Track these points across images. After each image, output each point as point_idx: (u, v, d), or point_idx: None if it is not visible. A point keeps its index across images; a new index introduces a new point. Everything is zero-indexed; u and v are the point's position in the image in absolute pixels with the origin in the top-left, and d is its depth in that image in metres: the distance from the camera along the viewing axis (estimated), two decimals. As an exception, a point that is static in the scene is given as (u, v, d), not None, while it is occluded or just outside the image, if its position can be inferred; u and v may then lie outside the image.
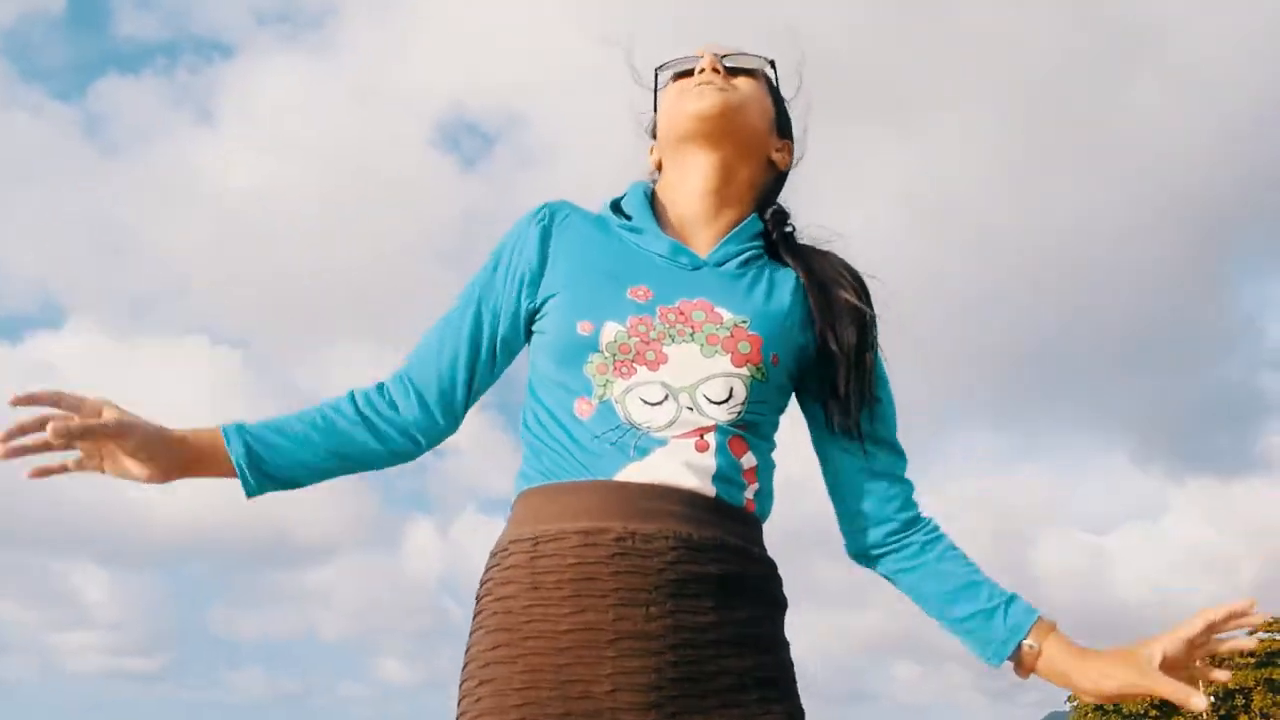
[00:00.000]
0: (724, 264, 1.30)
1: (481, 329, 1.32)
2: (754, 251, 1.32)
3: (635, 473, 1.18)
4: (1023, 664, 1.26)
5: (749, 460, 1.24)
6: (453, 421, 1.34)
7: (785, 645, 1.24)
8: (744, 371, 1.22)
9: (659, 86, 1.42)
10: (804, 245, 1.37)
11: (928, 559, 1.30)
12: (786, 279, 1.33)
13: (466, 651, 1.21)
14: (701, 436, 1.20)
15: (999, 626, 1.25)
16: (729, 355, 1.22)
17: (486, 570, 1.24)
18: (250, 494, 1.26)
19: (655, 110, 1.43)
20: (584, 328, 1.22)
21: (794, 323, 1.29)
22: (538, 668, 1.12)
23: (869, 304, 1.32)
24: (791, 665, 1.23)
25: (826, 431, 1.33)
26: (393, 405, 1.32)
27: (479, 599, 1.24)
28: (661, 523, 1.16)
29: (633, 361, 1.21)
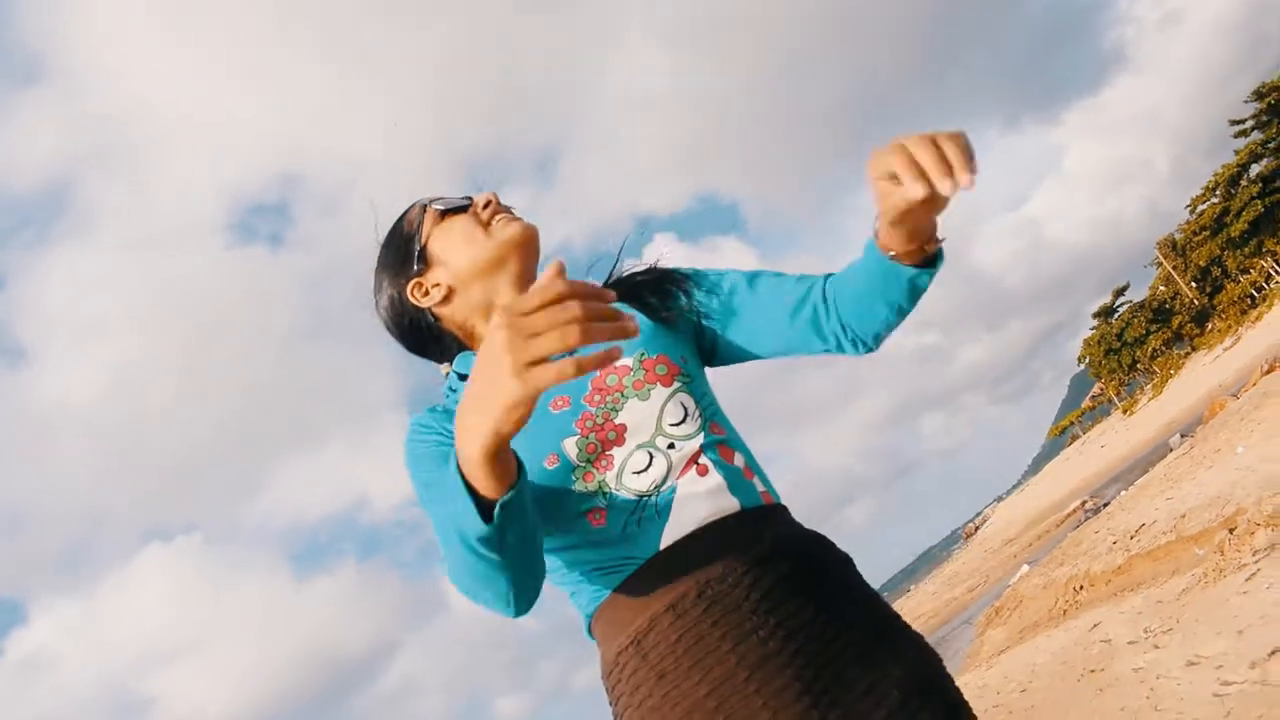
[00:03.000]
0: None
1: None
2: None
3: (672, 532, 1.29)
4: (882, 243, 1.30)
5: (739, 461, 1.37)
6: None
7: (871, 590, 1.35)
8: (677, 385, 1.38)
9: (419, 226, 1.49)
10: (611, 286, 1.53)
11: (843, 290, 1.40)
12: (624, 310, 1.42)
13: None
14: (695, 463, 1.33)
15: (863, 259, 1.35)
16: (658, 383, 1.37)
17: (612, 689, 1.31)
18: (491, 514, 1.09)
19: (412, 249, 1.48)
20: (549, 462, 1.32)
21: (659, 328, 1.45)
22: None
23: (660, 269, 1.54)
24: (889, 606, 1.35)
25: (744, 341, 1.48)
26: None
27: (618, 716, 1.31)
28: (721, 559, 1.27)
29: (603, 451, 1.33)
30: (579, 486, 1.32)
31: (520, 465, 1.12)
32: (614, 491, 1.32)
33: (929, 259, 1.32)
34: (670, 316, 1.48)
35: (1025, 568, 16.97)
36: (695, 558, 1.28)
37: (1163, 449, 23.40)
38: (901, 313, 1.40)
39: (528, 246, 1.47)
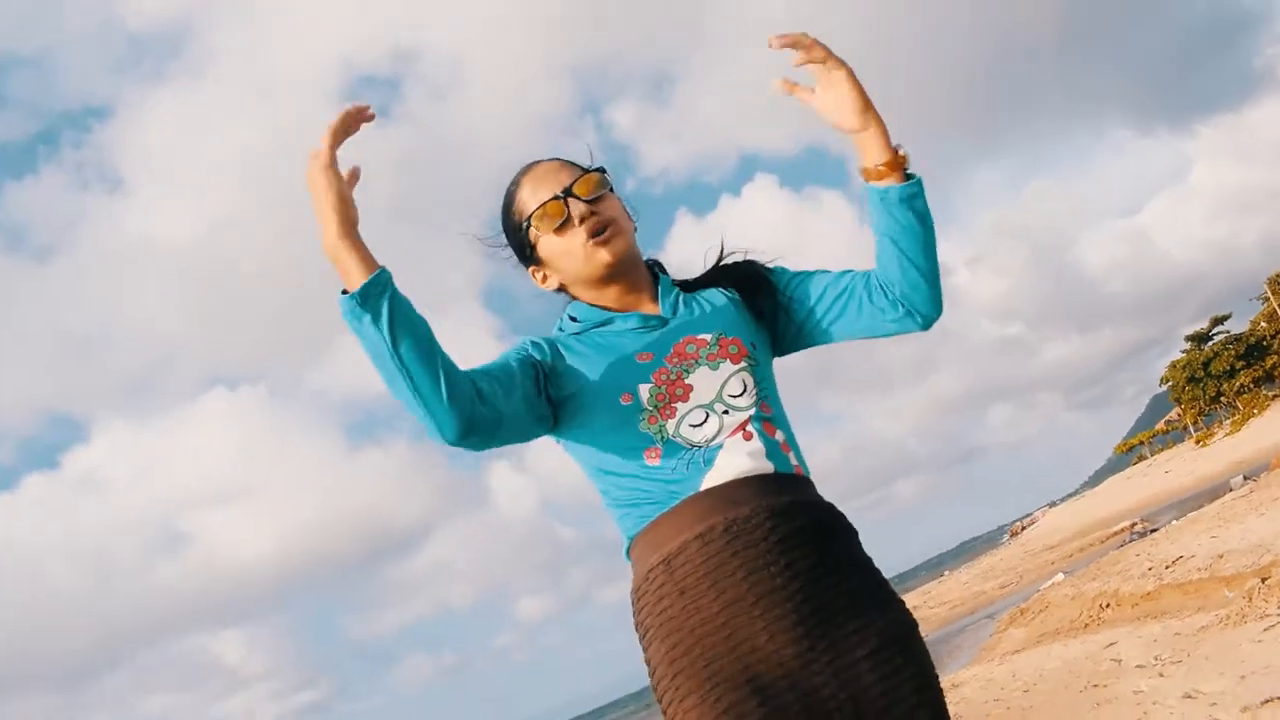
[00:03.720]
0: (675, 310, 1.70)
1: (539, 378, 1.61)
2: (679, 294, 1.73)
3: (714, 477, 1.55)
4: (868, 173, 1.60)
5: (780, 436, 1.62)
6: (484, 432, 1.51)
7: (870, 559, 1.61)
8: (743, 365, 1.63)
9: (525, 231, 1.70)
10: (699, 277, 1.79)
11: (880, 265, 1.63)
12: (712, 295, 1.74)
13: (649, 665, 1.55)
14: (744, 430, 1.59)
15: (870, 214, 1.62)
16: (728, 359, 1.63)
17: (638, 601, 1.58)
18: (355, 299, 1.40)
19: (525, 247, 1.73)
20: (625, 399, 1.59)
21: (741, 315, 1.70)
22: (711, 646, 1.48)
23: (753, 262, 1.77)
24: (881, 574, 1.60)
25: (815, 330, 1.72)
26: (484, 387, 1.51)
27: (641, 624, 1.57)
28: (750, 504, 1.53)
29: (670, 403, 1.59)
30: (643, 426, 1.59)
31: (385, 272, 1.43)
32: (671, 437, 1.58)
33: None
34: (756, 308, 1.73)
35: (1060, 576, 17.03)
36: (728, 500, 1.53)
37: (1223, 487, 23.06)
38: (922, 243, 1.59)
39: (614, 268, 1.68)
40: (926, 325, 1.68)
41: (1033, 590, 16.99)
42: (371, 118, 1.48)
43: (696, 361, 1.63)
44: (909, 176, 1.59)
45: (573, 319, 1.72)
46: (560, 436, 1.68)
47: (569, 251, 1.69)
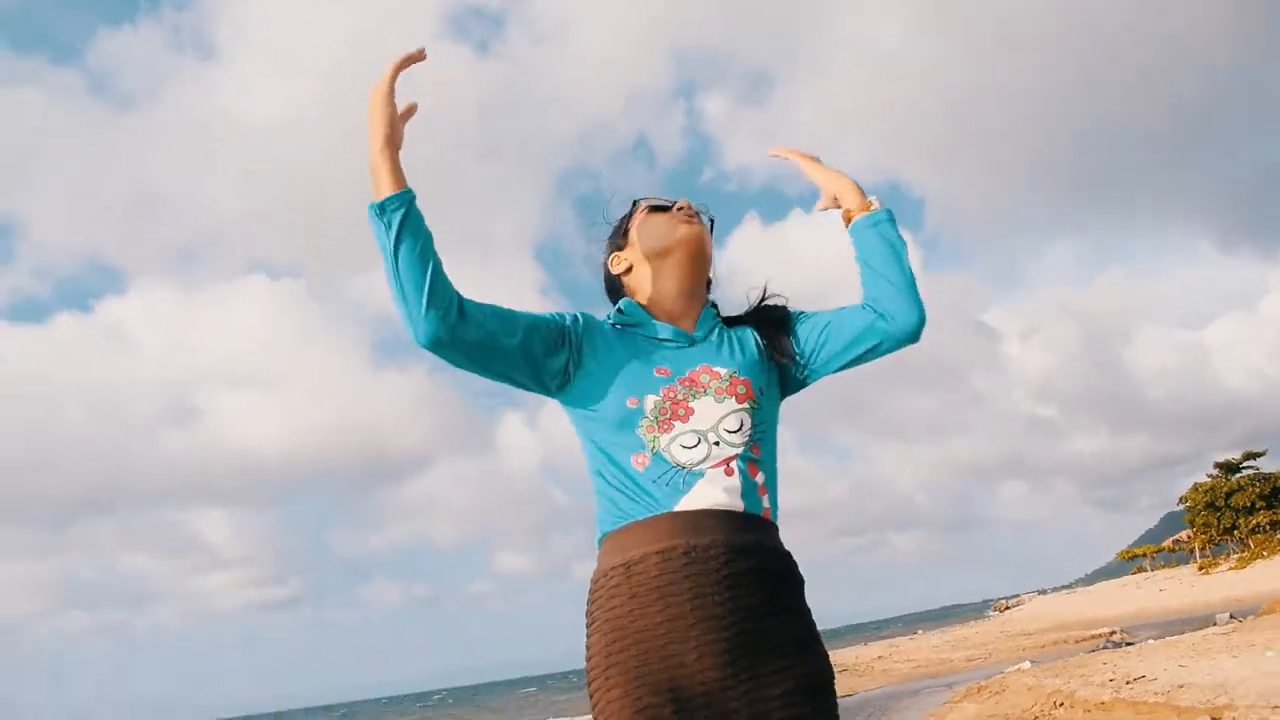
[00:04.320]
0: (706, 337, 1.88)
1: (546, 336, 1.80)
2: (718, 324, 1.92)
3: (687, 502, 1.70)
4: (846, 217, 1.96)
5: (760, 479, 1.77)
6: (458, 341, 1.71)
7: (809, 611, 1.76)
8: (746, 406, 1.78)
9: (633, 214, 1.97)
10: (741, 315, 1.97)
11: (869, 291, 1.89)
12: (744, 334, 1.91)
13: (588, 650, 1.72)
14: (727, 465, 1.73)
15: (854, 245, 1.93)
16: (733, 397, 1.78)
17: (594, 592, 1.75)
18: (376, 207, 1.68)
19: (621, 228, 1.98)
20: (631, 402, 1.76)
21: (761, 360, 1.87)
22: (646, 651, 1.64)
23: (784, 310, 1.95)
24: (815, 626, 1.75)
25: (829, 365, 1.90)
26: (471, 308, 1.73)
27: (591, 614, 1.74)
28: (713, 535, 1.68)
29: (670, 419, 1.75)
30: (640, 432, 1.75)
31: (409, 192, 1.69)
32: (660, 450, 1.73)
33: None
34: (776, 358, 1.90)
35: (1026, 663, 17.11)
36: (694, 527, 1.69)
37: (1209, 620, 23.01)
38: (892, 259, 1.88)
39: (693, 244, 1.91)
40: (910, 330, 1.86)
41: (996, 671, 17.10)
42: (424, 58, 1.76)
43: (705, 390, 1.78)
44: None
45: (620, 311, 1.91)
46: (568, 405, 1.85)
47: (655, 226, 1.92)
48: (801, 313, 1.96)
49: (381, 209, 1.66)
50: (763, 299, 2.01)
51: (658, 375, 1.79)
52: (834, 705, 1.72)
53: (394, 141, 1.70)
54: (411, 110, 1.77)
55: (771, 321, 1.95)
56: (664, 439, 1.74)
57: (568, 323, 1.84)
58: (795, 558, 1.82)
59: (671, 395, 1.77)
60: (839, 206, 1.99)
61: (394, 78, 1.73)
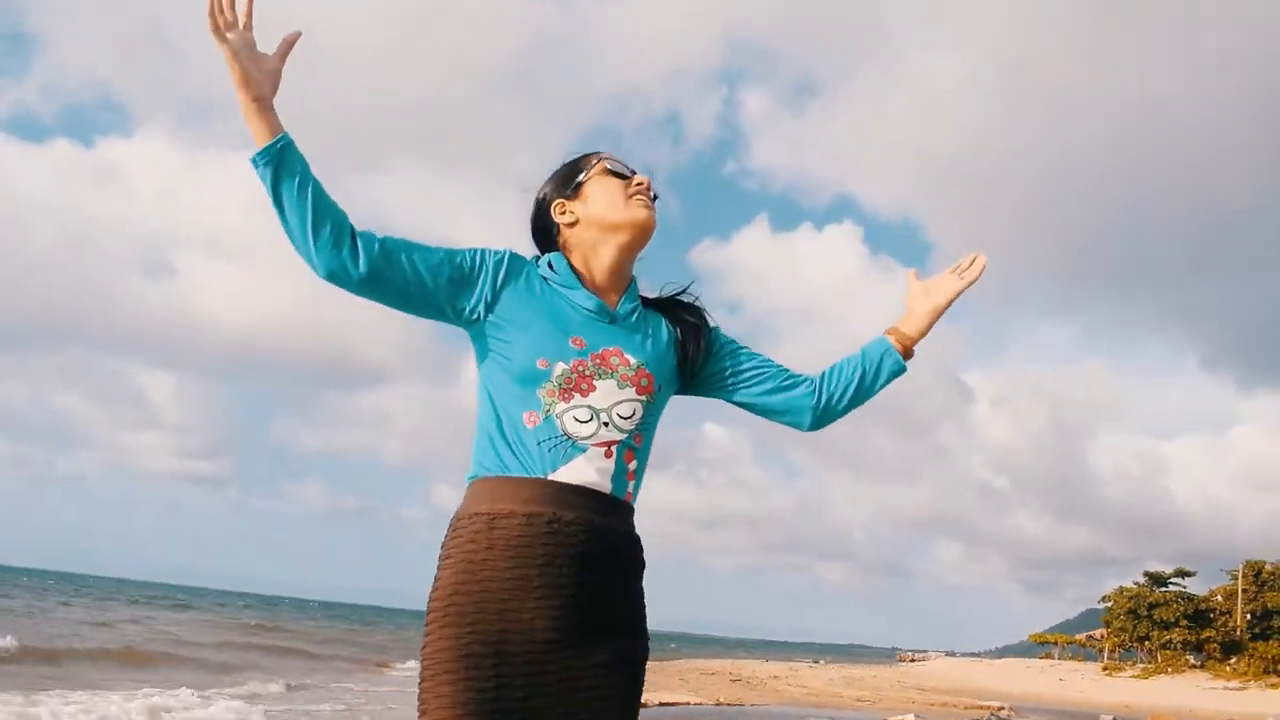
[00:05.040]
0: (626, 318, 1.91)
1: (446, 276, 1.82)
2: (639, 305, 1.95)
3: (564, 473, 1.77)
4: (900, 339, 2.05)
5: (633, 465, 1.85)
6: (359, 277, 1.77)
7: (643, 595, 1.88)
8: (644, 399, 1.85)
9: (589, 168, 1.94)
10: (663, 299, 2.01)
11: (834, 379, 2.02)
12: (659, 323, 1.96)
13: (435, 585, 1.77)
14: (609, 447, 1.81)
15: (873, 349, 2.04)
16: (635, 387, 1.85)
17: (454, 530, 1.80)
18: (254, 159, 1.72)
19: (574, 178, 1.95)
20: (541, 363, 1.79)
21: (669, 357, 1.93)
22: (486, 600, 1.72)
23: (704, 318, 2.01)
24: (645, 610, 1.88)
25: (728, 388, 2.01)
26: (365, 238, 1.78)
27: (447, 550, 1.79)
28: (577, 512, 1.76)
29: (571, 390, 1.79)
30: (540, 393, 1.79)
31: (281, 139, 1.73)
32: (554, 416, 1.79)
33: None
34: (684, 359, 1.96)
35: (910, 716, 17.31)
36: (562, 500, 1.77)
37: (1094, 718, 23.34)
38: (868, 396, 2.04)
39: (644, 231, 1.93)
40: (807, 428, 2.04)
41: (880, 717, 17.26)
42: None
43: (612, 373, 1.83)
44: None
45: (550, 267, 1.91)
46: (476, 342, 1.88)
47: (612, 194, 1.92)
48: (718, 329, 2.04)
49: (255, 161, 1.72)
50: (680, 293, 2.05)
51: (573, 345, 1.83)
52: (639, 685, 1.83)
53: (258, 98, 1.74)
54: (290, 42, 1.80)
55: (690, 324, 2.00)
56: (560, 406, 1.79)
57: (488, 263, 1.87)
58: (644, 542, 1.91)
59: (580, 368, 1.82)
60: (913, 317, 2.07)
61: (235, 47, 1.72)
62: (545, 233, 1.99)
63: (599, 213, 1.92)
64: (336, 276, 1.76)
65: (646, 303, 2.00)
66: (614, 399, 1.82)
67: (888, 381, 2.03)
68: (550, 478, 1.77)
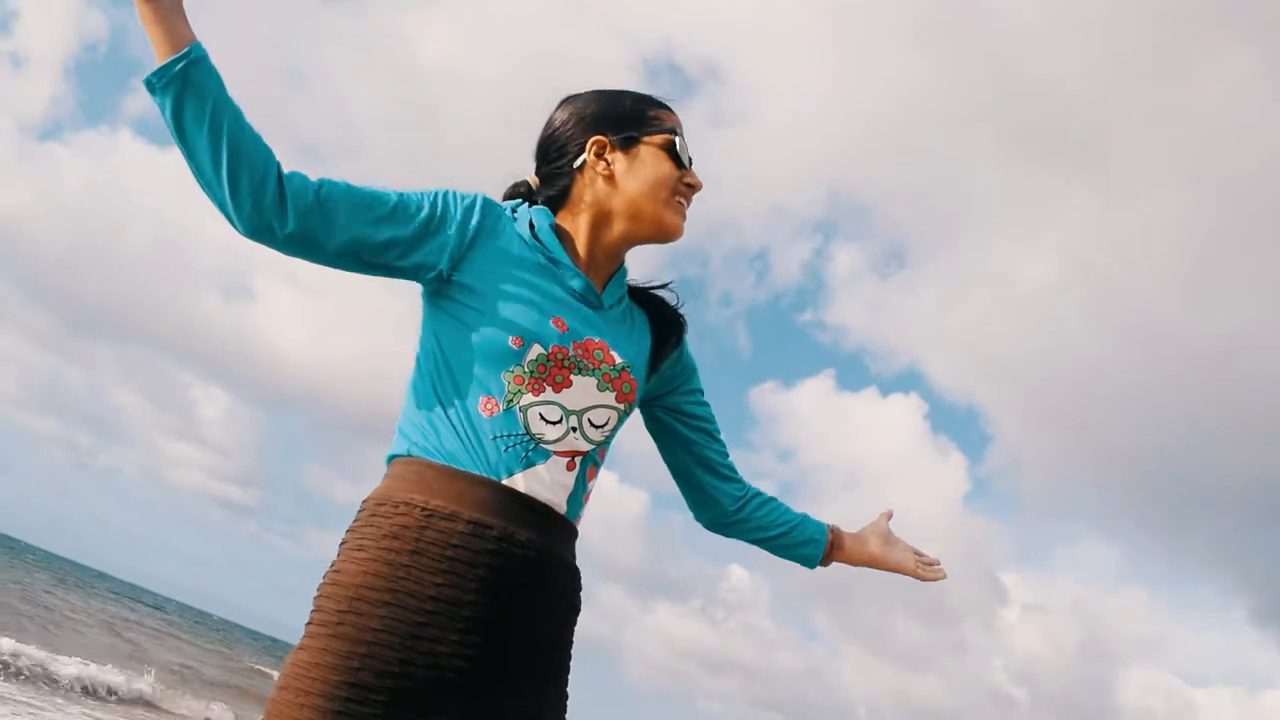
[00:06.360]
0: (613, 307, 1.58)
1: (405, 244, 1.47)
2: (625, 298, 1.63)
3: (520, 481, 1.44)
4: (835, 545, 1.82)
5: (592, 485, 1.57)
6: (291, 242, 1.42)
7: (571, 643, 1.55)
8: (621, 406, 1.54)
9: (654, 127, 1.59)
10: (646, 291, 1.68)
11: (763, 512, 1.79)
12: (641, 320, 1.64)
13: (333, 574, 1.42)
14: (573, 459, 1.49)
15: (810, 525, 1.81)
16: (614, 392, 1.52)
17: (371, 517, 1.44)
18: (160, 73, 1.33)
19: (636, 125, 1.59)
20: (515, 342, 1.45)
21: (646, 365, 1.62)
22: (398, 617, 1.37)
23: (684, 327, 1.69)
24: (569, 659, 1.55)
25: (675, 429, 1.73)
26: (295, 185, 1.41)
27: (356, 532, 1.45)
28: (531, 533, 1.44)
29: (544, 381, 1.46)
30: (505, 376, 1.45)
31: (193, 49, 1.35)
32: (517, 408, 1.45)
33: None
34: (656, 360, 1.65)
35: None
36: (518, 516, 1.44)
37: None
38: (771, 551, 1.83)
39: (665, 238, 1.60)
40: (701, 521, 1.83)
41: None
42: None
43: (594, 370, 1.51)
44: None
45: (532, 227, 1.56)
46: (433, 303, 1.53)
47: (663, 179, 1.58)
48: (692, 359, 1.76)
49: (150, 84, 1.35)
50: (664, 287, 1.73)
51: (554, 326, 1.49)
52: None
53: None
54: None
55: (668, 326, 1.70)
56: (527, 398, 1.47)
57: (453, 211, 1.52)
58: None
59: (559, 356, 1.48)
60: (859, 546, 1.85)
61: None
62: (555, 157, 1.62)
63: (637, 190, 1.57)
64: (258, 234, 1.40)
65: (632, 292, 1.69)
66: (590, 401, 1.51)
67: (794, 560, 1.84)
68: (504, 483, 1.45)
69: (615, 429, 1.56)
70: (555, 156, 1.61)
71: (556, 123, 1.62)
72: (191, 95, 1.34)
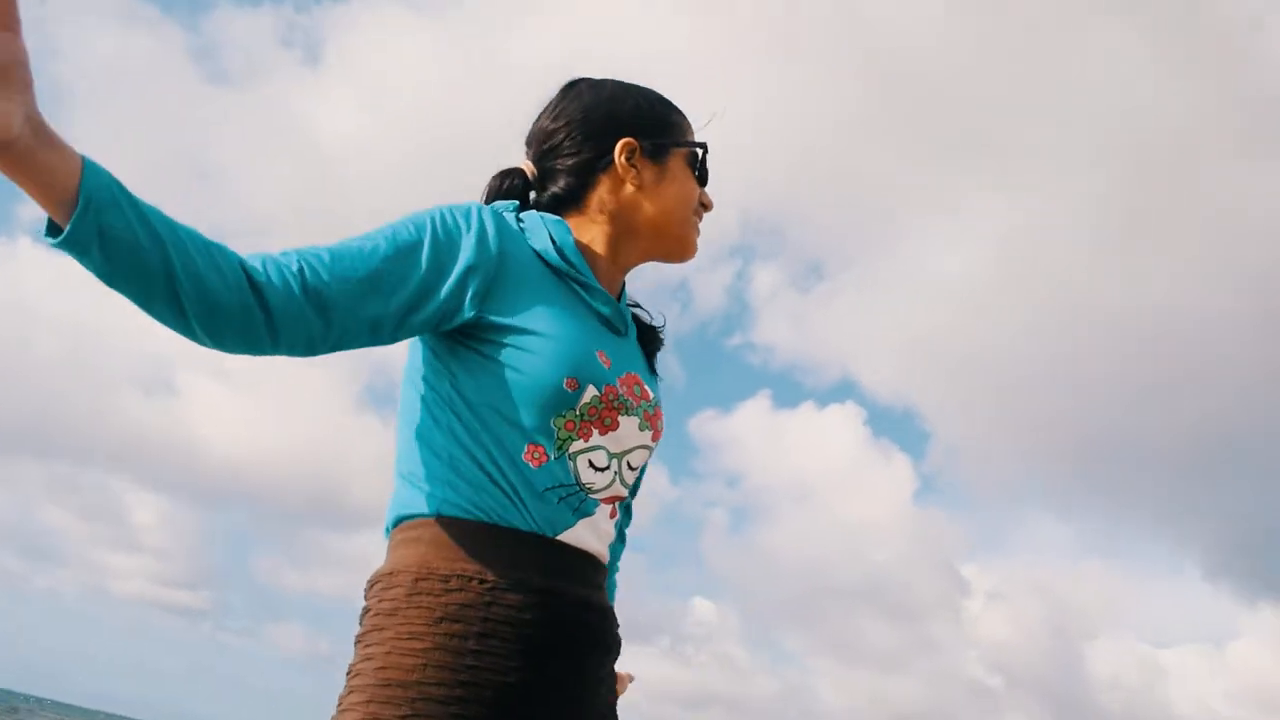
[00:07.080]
0: (628, 333, 1.42)
1: (420, 299, 1.24)
2: (631, 322, 1.45)
3: (574, 535, 1.29)
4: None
5: (625, 531, 1.50)
6: (313, 347, 1.20)
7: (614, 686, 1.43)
8: (654, 446, 1.41)
9: (685, 142, 1.45)
10: (640, 320, 1.51)
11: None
12: (645, 356, 1.49)
13: (378, 664, 1.19)
14: (615, 505, 1.35)
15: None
16: (653, 431, 1.39)
17: (410, 590, 1.22)
18: (56, 234, 1.00)
19: (670, 141, 1.44)
20: (570, 385, 1.26)
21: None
22: (473, 714, 1.17)
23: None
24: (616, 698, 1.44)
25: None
26: (278, 298, 1.14)
27: (397, 613, 1.21)
28: (595, 591, 1.32)
29: (593, 425, 1.29)
30: (557, 424, 1.27)
31: (94, 181, 1.01)
32: (567, 456, 1.29)
33: None
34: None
35: None
36: (579, 575, 1.30)
37: None
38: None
39: (680, 258, 1.49)
40: None
41: None
42: None
43: (636, 408, 1.35)
44: None
45: (553, 240, 1.36)
46: (446, 339, 1.31)
47: (687, 198, 1.44)
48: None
49: (63, 248, 1.02)
50: (661, 327, 1.56)
51: (600, 362, 1.31)
52: None
53: (7, 142, 0.96)
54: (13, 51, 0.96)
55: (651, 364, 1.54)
56: (578, 445, 1.29)
57: (463, 245, 1.27)
58: None
59: (610, 397, 1.31)
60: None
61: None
62: (561, 152, 1.44)
63: (664, 208, 1.43)
64: (254, 354, 1.19)
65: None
66: (632, 442, 1.36)
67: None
68: (561, 539, 1.29)
69: (644, 470, 1.44)
70: (568, 151, 1.42)
71: (572, 111, 1.43)
72: (115, 252, 1.03)
